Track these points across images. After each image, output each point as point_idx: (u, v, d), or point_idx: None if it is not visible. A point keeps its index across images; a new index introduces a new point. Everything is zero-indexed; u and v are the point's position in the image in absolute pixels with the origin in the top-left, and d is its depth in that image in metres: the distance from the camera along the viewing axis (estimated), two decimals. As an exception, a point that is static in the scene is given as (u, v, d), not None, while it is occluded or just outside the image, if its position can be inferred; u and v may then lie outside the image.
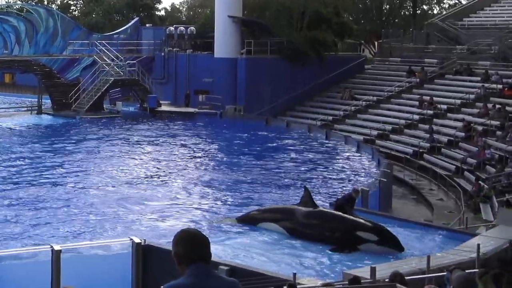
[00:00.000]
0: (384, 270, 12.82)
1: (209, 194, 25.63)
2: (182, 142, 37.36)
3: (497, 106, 34.21)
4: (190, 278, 3.86)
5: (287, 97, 45.41)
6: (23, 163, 30.12)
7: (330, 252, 17.53)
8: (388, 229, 18.05)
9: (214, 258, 3.82)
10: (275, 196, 24.91)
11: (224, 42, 46.70)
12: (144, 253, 12.11)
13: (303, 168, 30.41)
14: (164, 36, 52.51)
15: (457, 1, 68.78)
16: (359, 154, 32.79)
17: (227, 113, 44.47)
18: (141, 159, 32.29)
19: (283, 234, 19.03)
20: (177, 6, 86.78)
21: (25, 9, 51.49)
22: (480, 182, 26.50)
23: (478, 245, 14.48)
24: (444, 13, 57.09)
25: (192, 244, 3.92)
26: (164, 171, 29.54)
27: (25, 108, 49.16)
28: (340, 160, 32.49)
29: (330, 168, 30.62)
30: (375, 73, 47.65)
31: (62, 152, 33.34)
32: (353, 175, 28.72)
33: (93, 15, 69.61)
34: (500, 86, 36.74)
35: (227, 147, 36.45)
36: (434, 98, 38.61)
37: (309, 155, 33.78)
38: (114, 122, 43.38)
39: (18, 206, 22.71)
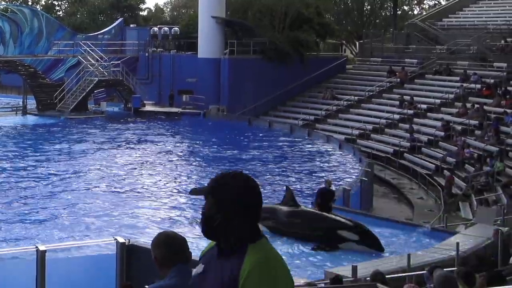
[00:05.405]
0: (365, 268, 13.11)
1: (192, 194, 25.78)
2: (166, 142, 37.49)
3: (476, 105, 34.54)
4: (174, 279, 3.89)
5: (269, 97, 45.52)
6: (7, 163, 30.15)
7: (311, 251, 17.81)
8: (369, 228, 18.37)
9: (196, 257, 4.04)
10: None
11: (208, 43, 46.81)
12: (128, 253, 12.27)
13: (285, 168, 30.67)
14: (148, 36, 52.57)
15: (436, 2, 69.39)
16: (341, 154, 33.10)
17: (210, 113, 44.66)
18: (125, 159, 32.41)
19: (265, 233, 19.28)
20: (161, 7, 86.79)
21: (9, 9, 51.33)
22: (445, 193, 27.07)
23: (458, 243, 14.85)
24: (424, 13, 57.50)
25: (171, 246, 3.98)
26: (147, 171, 29.70)
27: (10, 109, 49.00)
28: (322, 160, 32.79)
29: (312, 168, 30.90)
30: (356, 73, 47.79)
31: (47, 152, 33.36)
32: (334, 174, 29.01)
33: (78, 16, 69.48)
34: (478, 86, 37.15)
35: (210, 147, 36.59)
36: (415, 98, 38.88)
37: (291, 154, 34.05)
38: (99, 122, 43.47)
39: (2, 206, 22.81)
